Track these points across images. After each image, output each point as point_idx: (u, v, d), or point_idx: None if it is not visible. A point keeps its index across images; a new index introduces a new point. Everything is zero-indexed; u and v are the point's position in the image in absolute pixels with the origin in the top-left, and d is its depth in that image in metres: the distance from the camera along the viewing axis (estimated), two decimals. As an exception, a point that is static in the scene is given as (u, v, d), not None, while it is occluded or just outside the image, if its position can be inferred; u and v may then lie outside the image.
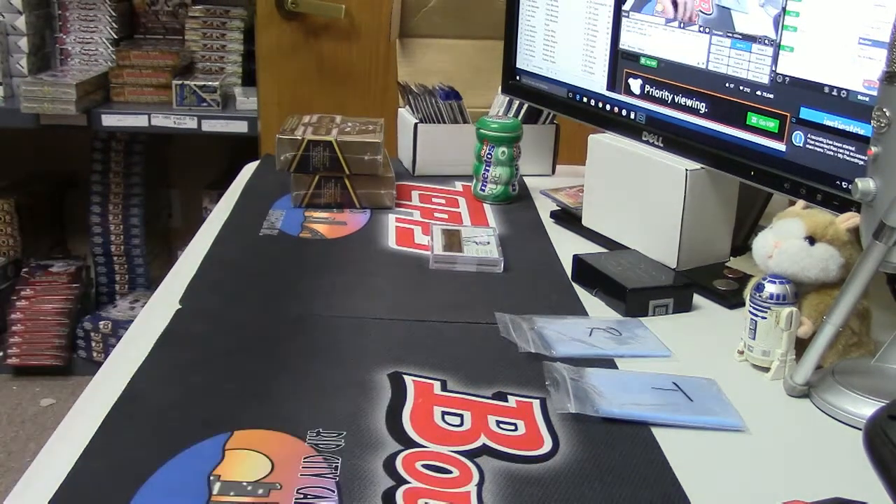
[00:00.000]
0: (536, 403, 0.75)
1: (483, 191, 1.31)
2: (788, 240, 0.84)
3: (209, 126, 2.34)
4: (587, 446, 0.69)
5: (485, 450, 0.68)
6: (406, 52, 1.59)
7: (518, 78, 1.36)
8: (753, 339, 0.83)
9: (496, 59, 1.39)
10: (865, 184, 0.74)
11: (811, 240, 0.83)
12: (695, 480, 0.66)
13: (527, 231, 1.21)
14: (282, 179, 1.28)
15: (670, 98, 1.07)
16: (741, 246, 1.09)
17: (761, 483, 0.67)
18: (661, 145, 1.09)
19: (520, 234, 1.19)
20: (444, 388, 0.77)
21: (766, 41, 0.94)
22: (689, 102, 1.05)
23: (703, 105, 1.03)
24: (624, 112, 1.15)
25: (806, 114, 0.91)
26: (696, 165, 1.03)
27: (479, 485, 0.64)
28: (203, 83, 2.35)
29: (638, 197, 1.09)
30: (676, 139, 1.06)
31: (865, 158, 0.78)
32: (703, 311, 0.97)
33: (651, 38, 1.09)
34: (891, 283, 0.87)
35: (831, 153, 0.88)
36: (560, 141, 1.47)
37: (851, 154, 0.86)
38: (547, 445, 0.69)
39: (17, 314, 2.52)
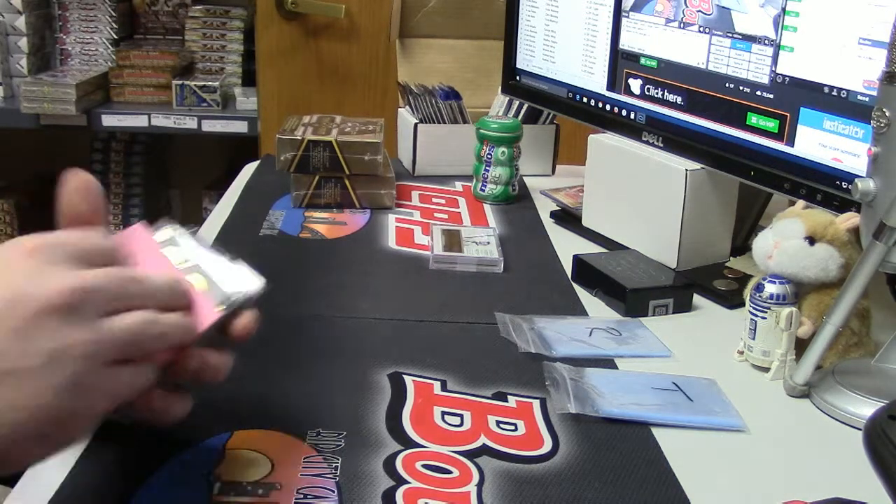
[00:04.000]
0: (536, 403, 0.75)
1: (483, 191, 1.31)
2: (788, 240, 0.84)
3: (209, 126, 2.34)
4: (587, 446, 0.69)
5: (485, 450, 0.68)
6: (406, 52, 1.59)
7: (518, 78, 1.36)
8: (753, 339, 0.83)
9: (496, 59, 1.39)
10: (865, 184, 0.74)
11: (811, 240, 0.83)
12: (695, 480, 0.66)
13: (527, 231, 1.21)
14: (282, 179, 1.28)
15: (670, 98, 1.07)
16: (741, 246, 1.10)
17: (761, 483, 0.67)
18: (661, 145, 1.09)
19: (520, 235, 1.19)
20: (444, 388, 0.77)
21: (766, 41, 0.94)
22: (688, 102, 1.05)
23: (703, 105, 1.03)
24: (624, 112, 1.15)
25: (806, 114, 0.91)
26: (696, 165, 1.03)
27: (479, 485, 0.64)
28: (203, 83, 2.35)
29: (638, 197, 1.09)
30: (676, 139, 1.06)
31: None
32: (703, 312, 0.97)
33: (651, 38, 1.09)
34: (891, 283, 0.87)
35: (831, 153, 0.88)
36: (560, 141, 1.47)
37: (851, 154, 0.86)
38: (547, 445, 0.69)
39: (17, 314, 2.51)
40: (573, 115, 1.25)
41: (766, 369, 0.83)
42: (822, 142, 0.89)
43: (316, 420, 0.70)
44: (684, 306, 0.97)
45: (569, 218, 1.23)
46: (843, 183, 0.87)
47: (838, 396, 0.76)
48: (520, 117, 1.38)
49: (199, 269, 0.61)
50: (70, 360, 0.46)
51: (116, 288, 0.50)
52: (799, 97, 0.91)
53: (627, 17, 1.12)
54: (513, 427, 0.72)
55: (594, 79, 1.19)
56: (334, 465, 0.65)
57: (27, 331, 0.45)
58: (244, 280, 0.60)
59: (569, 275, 1.04)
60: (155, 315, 0.52)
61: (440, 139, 1.41)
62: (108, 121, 2.35)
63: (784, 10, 0.91)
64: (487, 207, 1.29)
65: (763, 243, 0.86)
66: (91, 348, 0.47)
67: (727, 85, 0.99)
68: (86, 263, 0.50)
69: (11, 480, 0.66)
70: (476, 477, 0.64)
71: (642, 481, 0.65)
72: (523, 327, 0.88)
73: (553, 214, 1.26)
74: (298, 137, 1.21)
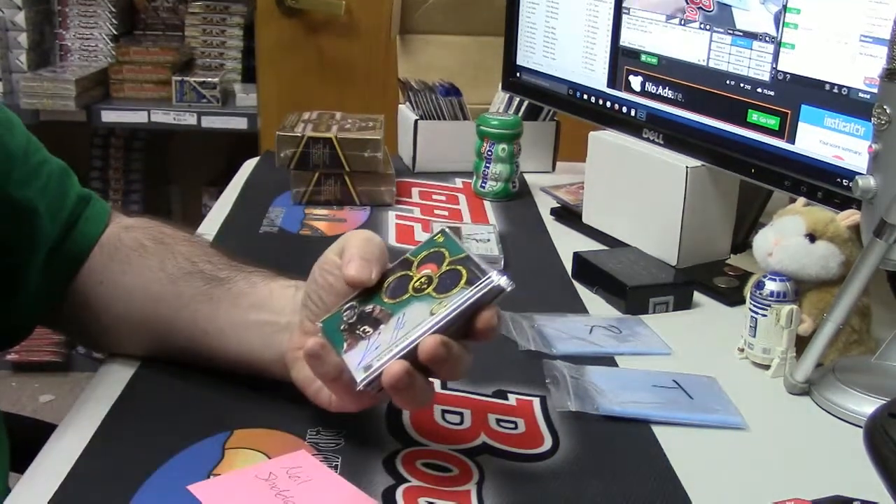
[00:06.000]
0: (536, 401, 0.75)
1: (483, 188, 1.31)
2: (789, 237, 0.83)
3: (209, 122, 2.34)
4: (587, 444, 0.69)
5: (485, 448, 0.68)
6: (406, 48, 1.59)
7: (518, 75, 1.36)
8: (754, 336, 0.83)
9: (496, 55, 1.39)
10: (866, 181, 0.74)
11: (812, 237, 0.83)
12: (695, 478, 0.66)
13: (527, 228, 1.21)
14: (281, 176, 1.28)
15: (671, 95, 1.07)
16: (741, 243, 1.09)
17: (761, 481, 0.67)
18: (662, 142, 1.08)
19: (520, 232, 1.19)
20: (443, 386, 0.77)
21: (767, 38, 0.94)
22: (689, 99, 1.05)
23: (704, 102, 1.03)
24: (624, 109, 1.15)
25: (806, 111, 0.91)
26: (696, 163, 1.03)
27: (480, 483, 0.64)
28: (203, 79, 2.34)
29: (638, 194, 1.09)
30: (677, 136, 1.06)
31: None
32: (703, 309, 0.97)
33: (651, 34, 1.09)
34: (891, 280, 0.87)
35: (832, 151, 0.88)
36: (560, 138, 1.47)
37: (852, 151, 0.86)
38: (547, 443, 0.69)
39: (18, 311, 2.51)
40: (573, 112, 1.25)
41: (767, 367, 0.82)
42: (822, 139, 0.89)
43: (316, 419, 0.70)
44: (684, 304, 0.96)
45: (569, 215, 1.23)
46: (844, 180, 0.87)
47: (839, 394, 0.76)
48: (520, 114, 1.38)
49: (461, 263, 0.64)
50: None
51: None
52: (800, 94, 0.91)
53: (628, 13, 1.12)
54: (513, 425, 0.72)
55: (594, 75, 1.19)
56: (334, 463, 0.64)
57: None
58: (493, 277, 0.62)
59: (569, 272, 1.04)
60: None
61: (440, 136, 1.41)
62: (108, 117, 2.34)
63: (785, 7, 0.91)
64: (488, 204, 1.29)
65: (763, 241, 0.85)
66: None
67: (728, 82, 0.99)
68: None
69: (21, 468, 0.66)
70: (476, 475, 0.64)
71: (642, 479, 0.65)
72: (523, 325, 0.88)
73: (553, 211, 1.26)
74: (298, 134, 1.21)
